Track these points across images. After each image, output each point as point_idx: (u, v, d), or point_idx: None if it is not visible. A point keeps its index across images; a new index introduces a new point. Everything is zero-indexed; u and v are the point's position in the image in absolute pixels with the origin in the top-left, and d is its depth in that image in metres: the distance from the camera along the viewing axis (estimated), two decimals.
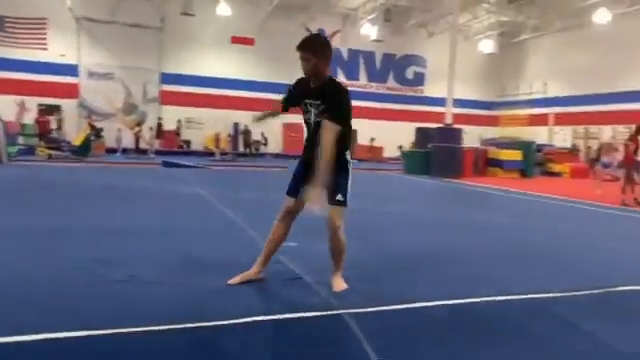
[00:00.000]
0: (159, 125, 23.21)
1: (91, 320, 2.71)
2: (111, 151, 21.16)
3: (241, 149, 24.39)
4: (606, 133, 23.47)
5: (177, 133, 24.49)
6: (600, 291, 3.78)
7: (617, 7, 21.48)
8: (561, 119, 26.16)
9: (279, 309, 3.03)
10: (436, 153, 16.91)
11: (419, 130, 19.72)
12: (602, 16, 21.70)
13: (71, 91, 23.16)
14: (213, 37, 25.18)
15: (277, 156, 24.48)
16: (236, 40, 25.71)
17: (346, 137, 3.33)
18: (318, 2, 23.99)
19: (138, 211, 6.86)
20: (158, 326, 2.68)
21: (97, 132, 19.91)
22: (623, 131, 22.66)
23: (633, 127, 11.07)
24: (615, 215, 8.91)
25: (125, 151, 21.12)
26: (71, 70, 23.15)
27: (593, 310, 3.43)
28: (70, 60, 23.11)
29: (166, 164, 16.45)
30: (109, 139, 21.82)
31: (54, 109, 22.36)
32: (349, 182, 3.42)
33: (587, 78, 24.35)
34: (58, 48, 22.85)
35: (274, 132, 25.98)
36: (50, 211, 6.52)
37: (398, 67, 29.14)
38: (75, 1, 22.37)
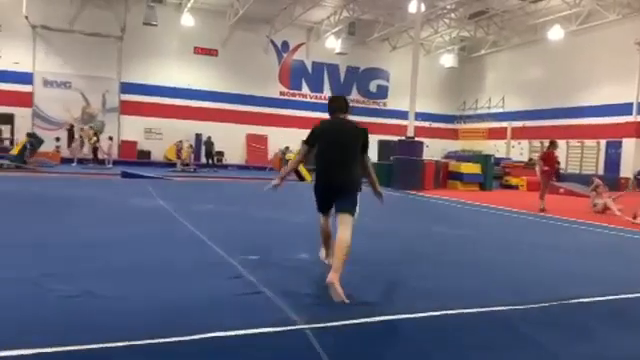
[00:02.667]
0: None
1: (42, 337, 2.58)
2: (67, 161, 20.49)
3: (203, 160, 24.04)
4: (560, 147, 24.30)
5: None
6: (553, 303, 3.86)
7: (569, 25, 22.43)
8: (518, 133, 26.98)
9: (238, 325, 2.94)
10: (398, 166, 17.11)
11: (381, 143, 19.92)
12: (556, 33, 22.63)
13: (25, 100, 22.41)
14: (176, 47, 24.92)
15: (240, 167, 24.27)
16: (199, 51, 25.50)
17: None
18: (282, 15, 24.09)
19: (92, 224, 6.62)
20: (110, 343, 2.58)
21: (35, 141, 18.78)
22: (576, 145, 23.65)
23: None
24: (572, 228, 9.20)
25: (82, 161, 20.49)
26: (25, 78, 22.43)
27: (548, 323, 3.50)
28: (25, 68, 22.39)
29: (125, 175, 16.03)
30: (64, 148, 21.14)
31: (7, 118, 21.55)
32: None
33: (543, 93, 25.27)
34: (12, 56, 22.10)
35: (237, 143, 25.86)
36: None
37: (362, 80, 29.51)
38: (31, 9, 21.73)
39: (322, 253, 4.66)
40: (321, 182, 4.19)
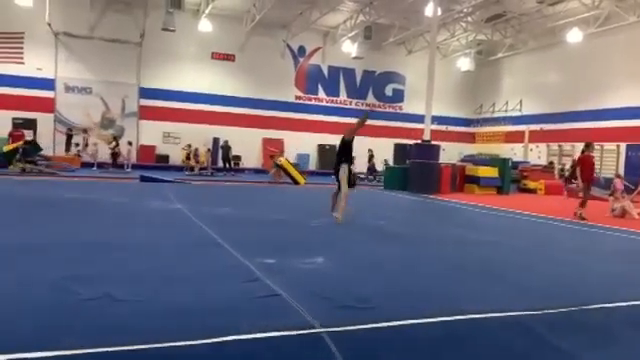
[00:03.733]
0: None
1: (62, 340, 2.65)
2: (87, 165, 20.84)
3: (220, 164, 24.21)
4: (579, 151, 23.99)
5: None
6: (573, 309, 3.83)
7: (587, 27, 22.16)
8: (536, 136, 26.70)
9: (254, 328, 2.97)
10: (414, 169, 17.06)
11: (398, 146, 19.86)
12: (574, 36, 22.37)
13: (47, 105, 22.85)
14: (193, 53, 25.19)
15: (257, 171, 24.40)
16: (217, 56, 25.75)
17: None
18: (299, 20, 24.21)
19: (110, 227, 6.74)
20: (128, 346, 2.64)
21: (30, 148, 18.34)
22: (596, 148, 23.28)
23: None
24: (591, 232, 9.09)
25: (101, 165, 20.81)
26: (47, 84, 22.89)
27: (568, 327, 3.48)
28: (47, 74, 22.86)
29: (144, 179, 16.26)
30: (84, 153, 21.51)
31: (30, 123, 22.00)
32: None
33: (561, 96, 24.97)
34: (35, 62, 22.59)
35: (253, 147, 26.00)
36: (21, 227, 6.37)
37: (377, 84, 29.48)
38: (54, 16, 22.19)
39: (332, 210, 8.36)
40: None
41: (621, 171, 21.64)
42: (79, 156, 21.70)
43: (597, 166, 23.21)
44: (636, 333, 3.51)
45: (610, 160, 22.66)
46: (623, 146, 21.89)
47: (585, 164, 11.06)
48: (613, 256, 6.65)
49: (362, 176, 21.90)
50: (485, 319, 3.46)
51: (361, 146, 16.54)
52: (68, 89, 23.34)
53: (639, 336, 3.46)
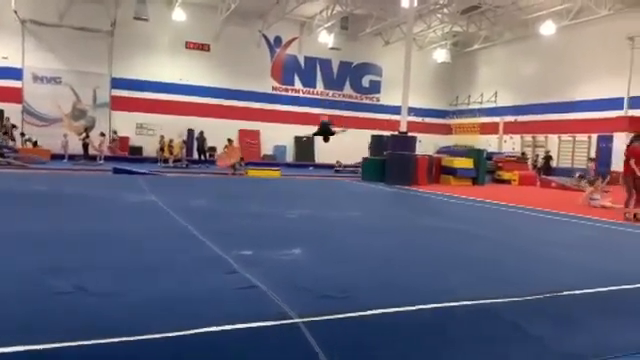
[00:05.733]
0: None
1: (33, 334, 2.54)
2: (58, 157, 20.30)
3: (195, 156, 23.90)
4: (552, 142, 24.47)
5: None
6: (544, 296, 3.86)
7: (560, 20, 22.50)
8: (510, 127, 27.08)
9: (232, 319, 2.90)
10: (391, 161, 17.11)
11: (374, 138, 19.91)
12: (547, 28, 22.71)
13: (15, 95, 22.16)
14: (167, 42, 24.75)
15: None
16: (191, 46, 25.35)
17: None
18: (275, 9, 23.97)
19: (83, 219, 6.56)
20: (102, 339, 2.54)
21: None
22: (568, 139, 23.80)
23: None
24: (561, 221, 9.25)
25: (73, 157, 20.32)
26: (14, 73, 22.18)
27: (539, 314, 3.51)
28: (14, 63, 22.14)
29: (117, 171, 15.93)
30: (55, 145, 20.93)
31: None
32: None
33: (535, 88, 25.37)
34: (0, 51, 21.86)
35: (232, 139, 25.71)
36: None
37: (354, 75, 29.46)
38: (21, 3, 21.48)
39: None
40: None
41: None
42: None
43: (569, 157, 23.89)
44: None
45: (582, 151, 23.16)
46: (594, 137, 22.37)
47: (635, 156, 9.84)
48: (579, 244, 6.76)
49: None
50: (462, 306, 3.45)
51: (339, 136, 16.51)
52: (36, 79, 22.68)
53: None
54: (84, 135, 20.74)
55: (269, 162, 24.68)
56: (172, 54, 24.93)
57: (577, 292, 3.99)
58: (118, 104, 24.10)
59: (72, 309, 3.02)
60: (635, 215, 9.67)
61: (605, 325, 3.45)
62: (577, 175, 17.55)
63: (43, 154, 20.00)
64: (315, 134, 17.35)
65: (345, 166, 23.70)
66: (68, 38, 22.63)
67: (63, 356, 2.43)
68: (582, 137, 23.13)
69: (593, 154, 21.93)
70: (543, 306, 3.65)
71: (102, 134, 21.96)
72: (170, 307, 3.13)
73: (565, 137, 24.02)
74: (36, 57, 22.44)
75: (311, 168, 24.25)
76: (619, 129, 20.72)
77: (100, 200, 8.64)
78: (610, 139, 21.18)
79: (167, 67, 24.82)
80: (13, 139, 20.62)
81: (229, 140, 21.15)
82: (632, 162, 9.76)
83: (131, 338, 2.60)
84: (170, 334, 2.67)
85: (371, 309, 3.24)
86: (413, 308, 3.34)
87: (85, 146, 20.57)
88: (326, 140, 16.53)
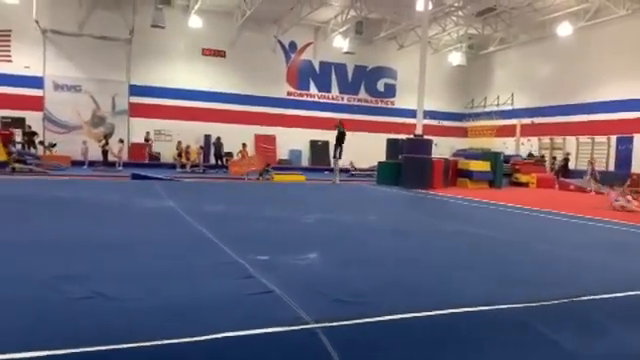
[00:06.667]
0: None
1: (52, 339, 2.60)
2: (78, 164, 20.66)
3: (212, 161, 24.11)
4: (570, 143, 24.16)
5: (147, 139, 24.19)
6: (564, 301, 3.82)
7: (577, 21, 22.24)
8: (527, 130, 26.81)
9: (248, 324, 2.93)
10: (406, 164, 17.06)
11: (390, 141, 19.88)
12: (564, 29, 22.46)
13: (36, 103, 22.61)
14: (184, 49, 25.03)
15: None
16: (207, 52, 25.61)
17: None
18: (290, 15, 24.10)
19: (102, 225, 6.66)
20: (119, 345, 2.59)
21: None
22: (587, 141, 23.47)
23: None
24: (582, 225, 9.13)
25: (92, 164, 20.66)
26: (36, 82, 22.64)
27: (559, 320, 3.48)
28: (35, 72, 22.61)
29: (135, 176, 16.14)
30: (75, 152, 21.31)
31: (18, 121, 21.75)
32: None
33: (551, 89, 25.08)
34: (22, 60, 22.34)
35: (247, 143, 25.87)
36: (10, 226, 6.27)
37: (369, 79, 29.46)
38: (42, 13, 21.95)
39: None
40: None
41: (612, 163, 21.86)
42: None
43: (587, 160, 23.55)
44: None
45: (601, 153, 22.83)
46: (613, 139, 22.04)
47: None
48: (604, 248, 6.67)
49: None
50: (482, 312, 3.44)
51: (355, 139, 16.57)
52: (57, 87, 23.12)
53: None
54: (103, 142, 21.07)
55: (287, 166, 24.78)
56: (189, 61, 25.21)
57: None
58: (136, 111, 24.44)
59: (91, 313, 3.07)
60: None
61: None
62: (587, 177, 17.47)
63: (63, 161, 20.37)
64: (338, 139, 17.95)
65: (360, 170, 23.71)
66: (87, 47, 23.05)
67: None
68: (601, 139, 22.77)
69: (612, 156, 21.60)
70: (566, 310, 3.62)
71: (121, 141, 22.28)
72: (185, 312, 3.16)
73: (583, 139, 23.69)
74: (57, 66, 22.90)
75: (326, 172, 24.27)
76: (639, 130, 20.39)
77: (119, 206, 8.77)
78: (630, 140, 20.85)
79: (184, 74, 25.11)
80: (35, 147, 21.07)
81: (243, 145, 21.30)
82: None
83: (147, 343, 2.63)
84: (186, 339, 2.70)
85: (389, 314, 3.24)
86: (431, 313, 3.33)
87: (104, 153, 20.90)
88: (341, 142, 16.84)
